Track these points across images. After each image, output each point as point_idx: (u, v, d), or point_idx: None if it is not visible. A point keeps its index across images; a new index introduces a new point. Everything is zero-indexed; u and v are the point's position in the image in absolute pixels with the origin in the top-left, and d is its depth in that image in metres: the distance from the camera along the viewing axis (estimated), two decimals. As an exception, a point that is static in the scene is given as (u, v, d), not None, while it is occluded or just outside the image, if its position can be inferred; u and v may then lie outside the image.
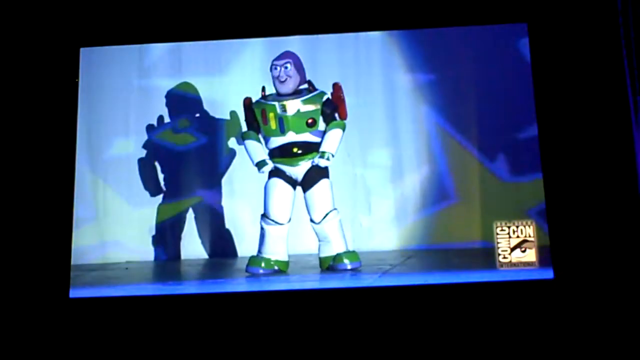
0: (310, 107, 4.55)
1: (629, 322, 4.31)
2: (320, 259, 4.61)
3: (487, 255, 4.57)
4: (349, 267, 4.57)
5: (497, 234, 4.58)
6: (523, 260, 4.55)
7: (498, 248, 4.57)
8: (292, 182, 4.59)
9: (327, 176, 4.59)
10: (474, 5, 4.82)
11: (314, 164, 4.56)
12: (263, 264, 4.59)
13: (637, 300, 4.33)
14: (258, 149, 4.64)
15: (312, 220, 4.59)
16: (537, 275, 4.52)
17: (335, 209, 4.59)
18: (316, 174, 4.56)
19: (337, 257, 4.56)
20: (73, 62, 4.93)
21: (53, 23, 4.92)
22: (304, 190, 4.59)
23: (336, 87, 4.58)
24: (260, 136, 4.65)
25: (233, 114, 4.94)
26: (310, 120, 4.54)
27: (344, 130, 4.58)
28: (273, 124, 4.55)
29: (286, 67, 4.59)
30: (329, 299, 4.56)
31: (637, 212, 4.43)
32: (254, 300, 4.59)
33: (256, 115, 4.62)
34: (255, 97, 4.67)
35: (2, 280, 4.64)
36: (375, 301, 4.55)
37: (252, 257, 4.62)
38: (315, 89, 4.60)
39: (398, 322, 4.49)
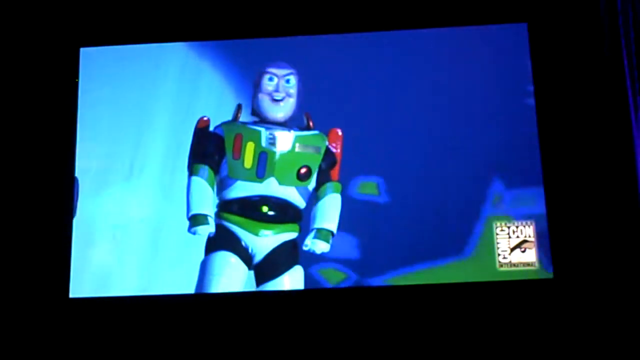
0: (309, 150, 3.34)
1: (629, 322, 4.31)
2: None
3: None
4: None
5: (497, 234, 4.58)
6: (523, 260, 4.55)
7: (498, 248, 4.57)
8: (248, 261, 3.21)
9: (300, 262, 3.31)
10: (474, 5, 4.82)
11: (305, 247, 3.20)
12: None
13: (637, 300, 4.32)
14: (204, 196, 3.26)
15: None
16: (537, 276, 4.52)
17: None
18: (286, 258, 3.20)
19: None
20: (73, 62, 4.93)
21: (53, 23, 4.92)
22: (261, 280, 3.24)
23: (334, 136, 3.37)
24: (215, 178, 3.24)
25: None
26: (303, 170, 3.24)
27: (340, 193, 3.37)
28: (249, 161, 3.17)
29: (288, 81, 3.38)
30: (328, 299, 4.56)
31: (637, 212, 4.42)
32: (253, 300, 4.60)
33: (225, 144, 3.22)
34: (215, 118, 3.49)
35: (1, 281, 4.64)
36: (375, 301, 4.55)
37: None
38: (313, 127, 3.41)
39: (398, 322, 4.49)
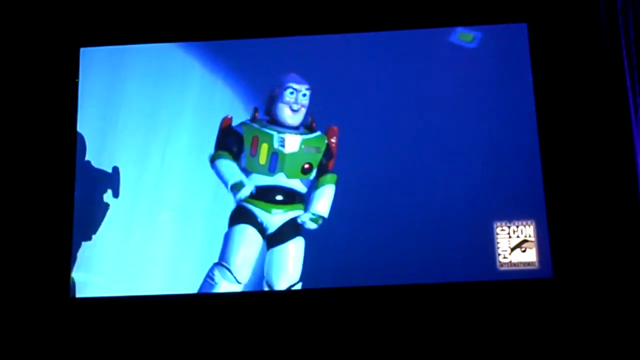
0: (312, 150, 3.99)
1: (629, 322, 4.31)
2: None
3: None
4: None
5: (497, 234, 4.59)
6: (523, 260, 4.56)
7: (498, 248, 4.57)
8: (262, 232, 3.87)
9: (302, 234, 3.94)
10: (474, 5, 4.82)
11: (299, 221, 3.90)
12: None
13: (637, 300, 4.33)
14: (234, 169, 3.91)
15: (269, 285, 3.92)
16: (537, 275, 4.52)
17: (300, 281, 4.02)
18: (292, 230, 3.90)
19: None
20: (73, 62, 4.93)
21: (53, 23, 4.92)
22: (271, 245, 3.89)
23: (332, 132, 4.01)
24: (235, 163, 3.93)
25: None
26: (307, 166, 3.92)
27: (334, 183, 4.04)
28: (263, 158, 3.84)
29: (304, 95, 3.99)
30: (328, 299, 4.57)
31: (637, 212, 4.43)
32: (253, 300, 4.60)
33: (244, 141, 3.89)
34: (237, 117, 4.07)
35: (2, 281, 4.64)
36: (375, 301, 4.55)
37: None
38: (316, 129, 4.01)
39: (398, 322, 4.49)
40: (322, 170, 3.97)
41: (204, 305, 4.59)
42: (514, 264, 4.56)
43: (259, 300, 4.61)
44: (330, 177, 3.98)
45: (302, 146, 3.87)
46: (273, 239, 3.87)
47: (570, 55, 4.69)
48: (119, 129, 4.86)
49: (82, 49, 4.96)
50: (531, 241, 4.57)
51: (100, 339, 4.54)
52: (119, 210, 4.52)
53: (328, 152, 3.95)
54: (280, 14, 4.82)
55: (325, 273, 4.12)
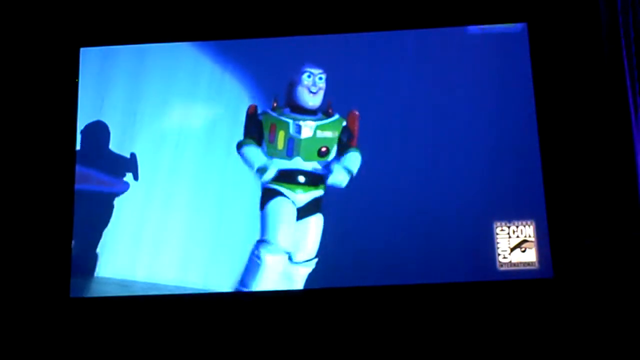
0: (328, 134, 4.19)
1: (629, 322, 4.31)
2: None
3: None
4: None
5: (497, 234, 4.59)
6: (523, 260, 4.56)
7: (498, 248, 4.57)
8: (294, 205, 4.14)
9: (321, 212, 4.19)
10: (474, 5, 4.82)
11: (327, 182, 4.11)
12: None
13: (637, 300, 4.33)
14: (259, 154, 4.17)
15: (289, 258, 4.14)
16: (537, 275, 4.52)
17: (317, 257, 4.23)
18: (314, 207, 4.14)
19: None
20: (73, 62, 4.93)
21: (53, 23, 4.92)
22: (296, 219, 4.14)
23: (353, 117, 4.23)
24: (258, 148, 4.22)
25: None
26: (324, 149, 4.15)
27: (360, 159, 4.27)
28: (280, 144, 4.12)
29: (321, 78, 4.23)
30: (328, 299, 4.57)
31: (637, 211, 4.43)
32: (253, 300, 4.61)
33: (263, 129, 4.18)
34: (260, 105, 4.34)
35: (2, 280, 4.64)
36: (375, 301, 4.55)
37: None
38: (333, 113, 4.22)
39: (398, 322, 4.49)
40: (345, 147, 4.18)
41: (204, 305, 4.60)
42: (514, 264, 4.56)
43: (259, 300, 4.62)
44: (355, 149, 4.20)
45: (317, 131, 4.09)
46: (298, 213, 4.14)
47: (570, 55, 4.70)
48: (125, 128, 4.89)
49: (82, 49, 4.96)
50: (531, 241, 4.57)
51: (100, 339, 4.54)
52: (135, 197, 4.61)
53: (345, 133, 4.15)
54: (301, 14, 4.85)
55: (340, 253, 4.33)
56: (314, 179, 4.13)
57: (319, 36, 4.77)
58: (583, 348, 4.31)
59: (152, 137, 4.78)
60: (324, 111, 4.25)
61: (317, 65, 4.30)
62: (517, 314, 4.46)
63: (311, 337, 4.49)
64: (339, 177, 4.09)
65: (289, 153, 4.13)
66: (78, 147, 4.78)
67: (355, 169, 4.17)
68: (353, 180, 4.52)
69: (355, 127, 4.25)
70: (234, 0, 4.92)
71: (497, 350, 4.39)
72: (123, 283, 4.44)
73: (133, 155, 4.44)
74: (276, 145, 4.13)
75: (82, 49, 4.96)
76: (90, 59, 4.96)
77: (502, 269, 4.56)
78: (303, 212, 4.12)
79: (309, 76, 4.17)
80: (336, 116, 4.24)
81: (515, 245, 4.57)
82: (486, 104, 4.77)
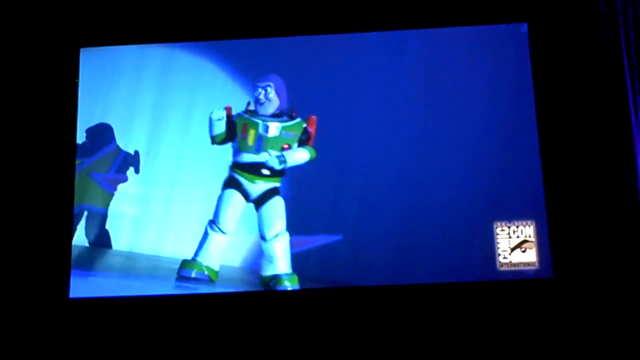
0: (290, 134, 4.72)
1: (629, 322, 4.31)
2: (261, 277, 4.64)
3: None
4: (289, 289, 4.60)
5: (497, 234, 4.59)
6: (523, 260, 4.56)
7: (498, 248, 4.57)
8: (246, 196, 4.71)
9: (280, 195, 4.73)
10: (474, 5, 4.82)
11: (267, 163, 4.68)
12: (196, 269, 4.65)
13: (637, 300, 4.33)
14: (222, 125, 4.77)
15: (262, 237, 4.67)
16: (537, 275, 4.52)
17: (286, 231, 4.67)
18: (272, 194, 4.69)
19: (278, 279, 4.61)
20: (73, 62, 4.93)
21: (53, 23, 4.92)
22: (258, 207, 4.70)
23: (312, 121, 4.73)
24: (224, 135, 4.78)
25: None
26: (286, 146, 4.70)
27: (312, 157, 4.71)
28: (251, 141, 4.69)
29: (266, 90, 4.75)
30: (328, 299, 4.57)
31: (637, 211, 4.43)
32: (253, 300, 4.61)
33: (236, 128, 4.73)
34: (235, 106, 4.78)
35: (2, 281, 4.64)
36: (375, 301, 4.55)
37: (185, 261, 4.67)
38: (296, 117, 4.74)
39: (398, 322, 4.49)
40: (301, 145, 4.74)
41: (203, 305, 4.60)
42: (514, 264, 4.56)
43: (259, 300, 4.62)
44: (310, 148, 4.74)
45: (282, 131, 4.69)
46: (259, 202, 4.69)
47: (570, 55, 4.70)
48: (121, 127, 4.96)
49: (82, 49, 4.96)
50: (531, 241, 4.57)
51: (100, 339, 4.54)
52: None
53: (305, 134, 4.72)
54: (279, 16, 4.91)
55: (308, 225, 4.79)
56: (275, 172, 4.68)
57: (293, 38, 4.93)
58: (583, 348, 4.31)
59: (151, 136, 4.92)
60: (288, 115, 4.75)
61: (266, 77, 4.79)
62: (517, 314, 4.46)
63: (310, 337, 4.49)
64: (273, 163, 4.66)
65: (258, 148, 4.69)
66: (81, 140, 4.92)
67: (292, 159, 4.69)
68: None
69: (313, 129, 4.73)
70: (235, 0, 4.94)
71: (497, 350, 4.39)
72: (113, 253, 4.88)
73: (136, 152, 4.92)
74: (247, 141, 4.69)
75: (82, 49, 4.97)
76: (90, 59, 4.98)
77: (502, 269, 4.56)
78: (262, 200, 4.68)
79: (256, 89, 4.77)
80: (298, 119, 4.74)
81: (516, 245, 4.57)
82: (486, 104, 4.77)
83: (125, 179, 4.90)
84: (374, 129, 4.80)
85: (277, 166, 4.66)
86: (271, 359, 4.48)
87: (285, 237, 4.67)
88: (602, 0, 4.61)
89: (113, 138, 4.96)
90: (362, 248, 4.67)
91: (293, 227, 4.72)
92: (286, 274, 4.62)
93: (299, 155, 4.71)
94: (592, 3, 4.64)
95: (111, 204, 4.89)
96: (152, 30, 4.96)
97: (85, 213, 4.85)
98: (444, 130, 4.76)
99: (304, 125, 4.74)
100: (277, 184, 4.72)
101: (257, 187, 4.69)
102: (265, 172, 4.67)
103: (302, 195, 4.79)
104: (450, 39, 4.86)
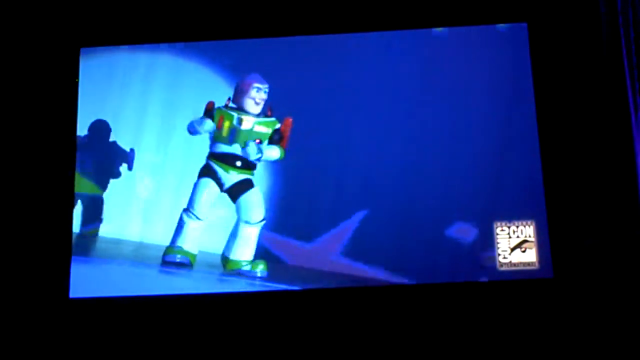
0: (262, 129, 4.85)
1: (629, 322, 4.31)
2: (228, 259, 4.77)
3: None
4: (258, 274, 4.75)
5: (497, 234, 4.59)
6: (523, 260, 4.56)
7: (498, 248, 4.57)
8: (220, 185, 4.87)
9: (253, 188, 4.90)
10: (474, 5, 4.82)
11: (245, 150, 4.84)
12: (179, 255, 4.79)
13: (637, 300, 4.33)
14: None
15: (246, 221, 4.82)
16: (537, 275, 4.52)
17: (264, 219, 4.83)
18: (245, 186, 4.85)
19: (254, 264, 4.76)
20: (73, 62, 4.94)
21: (53, 23, 4.92)
22: (238, 196, 4.84)
23: (287, 122, 4.86)
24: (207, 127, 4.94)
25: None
26: (257, 141, 4.85)
27: (281, 157, 4.86)
28: (225, 132, 4.86)
29: (265, 92, 4.89)
30: (327, 299, 4.57)
31: (637, 211, 4.43)
32: (252, 300, 4.61)
33: (214, 120, 4.89)
34: (219, 102, 4.90)
35: (1, 281, 4.64)
36: (374, 300, 4.56)
37: (169, 247, 4.81)
38: (272, 115, 4.88)
39: (398, 322, 4.49)
40: (273, 142, 4.89)
41: (203, 305, 4.60)
42: (514, 264, 4.56)
43: (258, 300, 4.62)
44: (280, 147, 4.89)
45: (255, 125, 4.86)
46: (234, 191, 4.86)
47: (570, 55, 4.69)
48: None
49: (82, 49, 4.97)
50: (531, 241, 4.58)
51: (99, 339, 4.54)
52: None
53: (276, 133, 4.89)
54: (279, 16, 4.93)
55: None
56: (248, 165, 4.84)
57: (272, 39, 5.00)
58: (583, 348, 4.31)
59: (151, 135, 5.02)
60: (265, 113, 4.89)
61: (264, 79, 4.91)
62: (517, 314, 4.46)
63: (310, 337, 4.49)
64: (251, 150, 4.82)
65: (231, 141, 4.84)
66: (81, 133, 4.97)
67: (267, 155, 4.84)
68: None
69: (288, 131, 4.88)
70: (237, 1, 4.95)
71: (497, 350, 4.39)
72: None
73: (132, 150, 5.04)
74: (222, 132, 4.86)
75: (82, 49, 4.97)
76: (90, 59, 4.98)
77: (502, 269, 4.56)
78: (237, 190, 4.85)
79: (257, 90, 4.88)
80: (273, 118, 4.90)
81: (516, 245, 4.57)
82: (486, 104, 4.77)
83: (119, 175, 5.02)
84: (373, 129, 4.81)
85: (255, 155, 4.81)
86: (271, 359, 4.48)
87: (262, 226, 4.85)
88: (602, 0, 4.60)
89: (109, 135, 5.00)
90: (362, 248, 4.68)
91: (292, 229, 4.81)
92: (261, 260, 4.76)
93: (272, 152, 4.87)
94: (592, 3, 4.64)
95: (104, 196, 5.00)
96: (152, 31, 4.97)
97: (79, 201, 4.93)
98: (443, 130, 4.76)
99: (278, 125, 4.87)
100: (250, 176, 4.85)
101: (230, 177, 4.83)
102: (238, 163, 4.85)
103: (303, 195, 4.81)
104: (450, 39, 4.86)
